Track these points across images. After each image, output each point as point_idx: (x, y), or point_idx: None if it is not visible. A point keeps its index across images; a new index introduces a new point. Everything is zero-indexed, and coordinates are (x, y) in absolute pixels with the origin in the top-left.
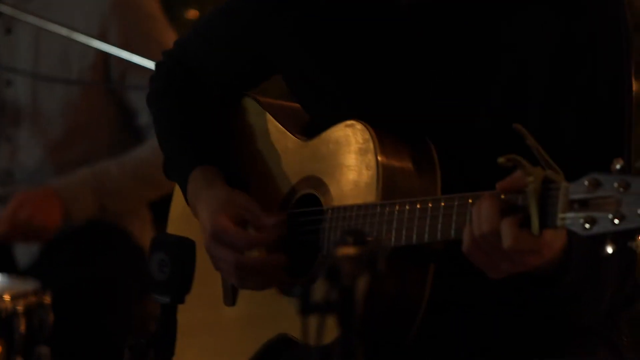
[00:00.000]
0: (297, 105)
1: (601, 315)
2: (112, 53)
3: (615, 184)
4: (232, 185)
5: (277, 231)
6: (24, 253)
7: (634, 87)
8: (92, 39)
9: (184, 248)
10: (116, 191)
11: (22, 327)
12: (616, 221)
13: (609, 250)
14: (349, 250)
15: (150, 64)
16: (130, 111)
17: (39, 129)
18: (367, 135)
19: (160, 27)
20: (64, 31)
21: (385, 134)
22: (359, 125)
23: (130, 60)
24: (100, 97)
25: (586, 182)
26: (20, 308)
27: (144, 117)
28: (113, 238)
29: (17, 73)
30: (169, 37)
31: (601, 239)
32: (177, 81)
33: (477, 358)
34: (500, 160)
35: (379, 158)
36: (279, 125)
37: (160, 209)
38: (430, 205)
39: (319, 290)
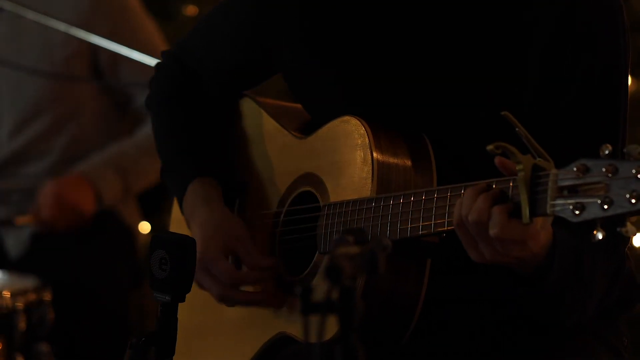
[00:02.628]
0: (296, 105)
1: (590, 317)
2: (98, 44)
3: (604, 169)
4: (231, 186)
5: (266, 273)
6: (15, 243)
7: (633, 86)
8: (76, 28)
9: (184, 246)
10: (137, 170)
11: (22, 324)
12: (605, 207)
13: (599, 236)
14: (349, 250)
15: (138, 56)
16: (124, 96)
17: (22, 118)
18: (362, 131)
19: (142, 19)
20: (46, 21)
21: (380, 129)
22: (354, 121)
23: (118, 51)
24: (87, 85)
25: (575, 168)
26: (20, 305)
27: (139, 100)
28: (103, 223)
29: (3, 65)
30: (152, 30)
31: (591, 225)
32: (176, 84)
33: (474, 356)
34: (489, 147)
35: (374, 154)
36: (276, 124)
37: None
38: (423, 197)
39: (319, 289)
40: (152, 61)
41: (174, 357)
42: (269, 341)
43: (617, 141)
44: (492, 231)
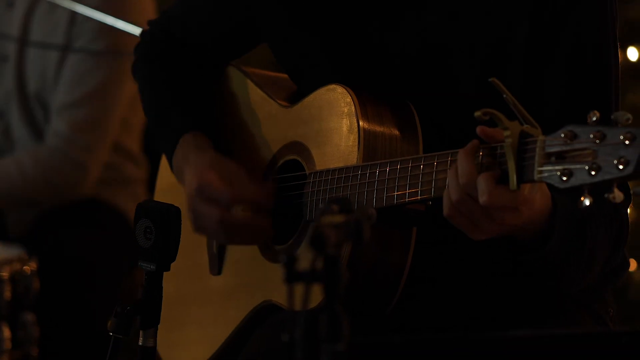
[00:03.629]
0: (283, 75)
1: (592, 284)
2: (83, 14)
3: (591, 135)
4: (219, 151)
5: (264, 194)
6: (18, 222)
7: (620, 56)
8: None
9: (169, 215)
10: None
11: (7, 294)
12: (592, 172)
13: (586, 202)
14: (334, 219)
15: (123, 25)
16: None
17: None
18: (349, 99)
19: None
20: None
21: (366, 97)
22: (340, 89)
23: (104, 21)
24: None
25: (562, 135)
26: (5, 274)
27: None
28: (105, 214)
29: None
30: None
31: (578, 192)
32: (162, 49)
33: (458, 327)
34: (477, 114)
35: (360, 122)
36: (262, 93)
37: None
38: (410, 164)
39: (304, 258)
40: (137, 30)
41: (159, 326)
42: (255, 309)
43: (608, 109)
44: (482, 199)
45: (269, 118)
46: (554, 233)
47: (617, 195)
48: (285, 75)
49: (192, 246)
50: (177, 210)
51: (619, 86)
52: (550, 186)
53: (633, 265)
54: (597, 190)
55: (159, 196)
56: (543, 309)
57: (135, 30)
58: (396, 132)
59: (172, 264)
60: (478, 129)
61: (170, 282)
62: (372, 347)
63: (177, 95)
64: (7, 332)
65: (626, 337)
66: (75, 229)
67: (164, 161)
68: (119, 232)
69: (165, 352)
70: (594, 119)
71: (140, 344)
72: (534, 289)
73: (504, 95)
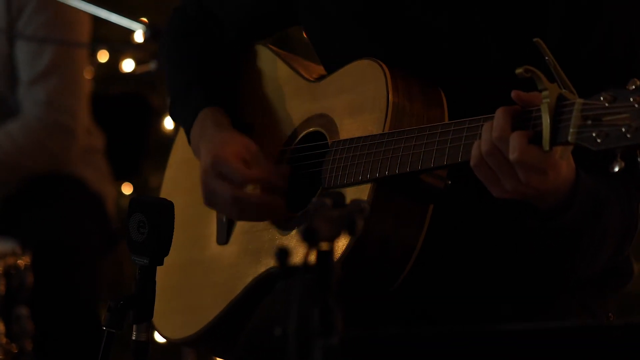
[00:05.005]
0: (313, 63)
1: (594, 280)
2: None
3: (631, 99)
4: (238, 127)
5: (278, 176)
6: None
7: None
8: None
9: (162, 209)
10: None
11: (2, 288)
12: (628, 135)
13: (616, 168)
14: (327, 212)
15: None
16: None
17: None
18: (380, 73)
19: None
20: None
21: (398, 74)
22: (372, 63)
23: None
24: None
25: (601, 97)
26: None
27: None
28: (70, 188)
29: None
30: None
31: (611, 155)
32: (193, 22)
33: (454, 314)
34: (518, 70)
35: (390, 97)
36: (290, 70)
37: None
38: (439, 130)
39: (298, 251)
40: (130, 24)
41: (159, 302)
42: (259, 276)
43: None
44: (512, 155)
45: (295, 92)
46: (573, 205)
47: None
48: (316, 64)
49: (200, 218)
50: (170, 204)
51: None
52: (583, 150)
53: None
54: (631, 154)
55: (171, 168)
56: (544, 303)
57: (129, 24)
58: (424, 111)
59: (176, 235)
60: (513, 93)
61: (174, 252)
62: (366, 340)
63: (200, 70)
64: (1, 327)
65: (619, 331)
66: (50, 209)
67: (180, 135)
68: (88, 204)
69: (158, 320)
70: (633, 87)
71: (133, 338)
72: (536, 285)
73: (546, 58)
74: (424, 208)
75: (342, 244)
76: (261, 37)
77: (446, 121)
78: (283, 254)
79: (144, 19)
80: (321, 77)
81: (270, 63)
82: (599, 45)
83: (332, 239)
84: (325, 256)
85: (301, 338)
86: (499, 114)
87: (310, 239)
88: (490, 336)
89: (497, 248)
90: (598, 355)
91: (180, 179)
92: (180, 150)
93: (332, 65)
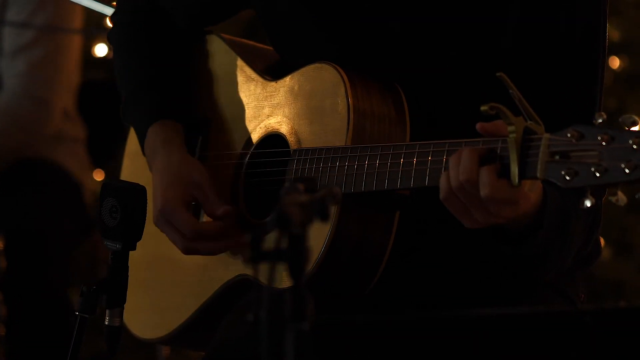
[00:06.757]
0: (262, 46)
1: (564, 271)
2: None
3: (599, 137)
4: (195, 127)
5: (227, 221)
6: None
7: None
8: None
9: (134, 194)
10: None
11: None
12: (597, 174)
13: (587, 204)
14: (299, 198)
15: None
16: None
17: None
18: (339, 78)
19: None
20: None
21: (356, 77)
22: (330, 68)
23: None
24: None
25: (568, 134)
26: None
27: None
28: (48, 176)
29: None
30: None
31: (581, 192)
32: (140, 15)
33: (432, 307)
34: (483, 108)
35: (350, 101)
36: (245, 65)
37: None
38: (404, 151)
39: (272, 237)
40: (102, 8)
41: (128, 297)
42: (228, 282)
43: (595, 103)
44: (483, 192)
45: (252, 90)
46: (544, 224)
47: (621, 197)
48: (266, 47)
49: None
50: (143, 189)
51: (603, 82)
52: (551, 185)
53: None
54: (600, 192)
55: (128, 158)
56: (515, 292)
57: (102, 9)
58: (384, 113)
59: (147, 229)
60: (477, 126)
61: (143, 246)
62: (337, 326)
63: (151, 71)
64: None
65: (589, 316)
66: (26, 195)
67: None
68: (65, 192)
69: (126, 316)
70: (600, 120)
71: (106, 323)
72: (513, 275)
73: (510, 91)
74: (391, 214)
75: (316, 249)
76: (213, 22)
77: (407, 119)
78: (256, 240)
79: (116, 3)
80: (275, 72)
81: (224, 55)
82: (557, 39)
83: (304, 225)
84: (298, 241)
85: (273, 323)
86: (466, 155)
87: (282, 224)
88: (457, 322)
89: (467, 250)
90: (568, 339)
91: (139, 171)
92: (135, 142)
93: (284, 51)
